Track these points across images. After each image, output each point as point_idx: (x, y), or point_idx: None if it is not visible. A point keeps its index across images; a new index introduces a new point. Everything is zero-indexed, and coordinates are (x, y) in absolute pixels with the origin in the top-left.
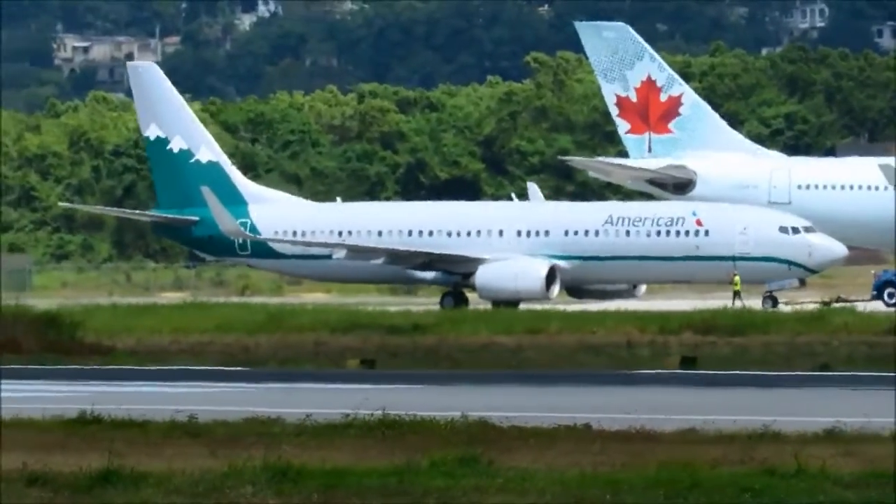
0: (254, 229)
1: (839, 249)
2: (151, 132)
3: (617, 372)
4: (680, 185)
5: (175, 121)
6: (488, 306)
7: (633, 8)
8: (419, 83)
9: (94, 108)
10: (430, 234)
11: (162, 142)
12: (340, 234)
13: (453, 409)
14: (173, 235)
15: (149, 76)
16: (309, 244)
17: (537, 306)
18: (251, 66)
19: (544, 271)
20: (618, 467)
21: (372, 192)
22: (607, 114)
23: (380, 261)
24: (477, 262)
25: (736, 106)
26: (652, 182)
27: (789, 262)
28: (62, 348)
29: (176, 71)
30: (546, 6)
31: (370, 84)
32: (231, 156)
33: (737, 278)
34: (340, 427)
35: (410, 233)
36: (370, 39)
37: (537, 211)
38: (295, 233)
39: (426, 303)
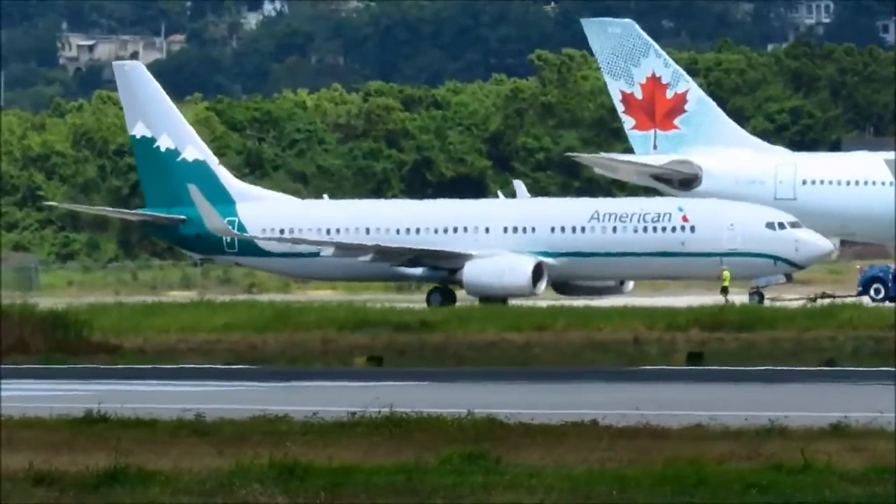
0: (241, 227)
1: (826, 245)
2: (138, 131)
3: (624, 368)
4: (685, 181)
5: (162, 120)
6: (475, 302)
7: (639, 5)
8: (425, 81)
9: (98, 108)
10: (418, 230)
11: (148, 141)
12: (328, 231)
13: (461, 406)
14: (161, 234)
15: (135, 75)
16: (296, 241)
17: (543, 303)
18: (257, 65)
19: (531, 267)
20: (625, 464)
21: (378, 190)
22: (613, 110)
23: (367, 258)
24: (464, 258)
25: (741, 102)
26: (658, 178)
27: (776, 258)
28: (69, 347)
29: (181, 69)
30: (552, 4)
31: (376, 82)
32: (238, 154)
33: (725, 273)
34: (348, 425)
35: (398, 230)
36: (376, 37)
37: (523, 207)
38: (282, 230)
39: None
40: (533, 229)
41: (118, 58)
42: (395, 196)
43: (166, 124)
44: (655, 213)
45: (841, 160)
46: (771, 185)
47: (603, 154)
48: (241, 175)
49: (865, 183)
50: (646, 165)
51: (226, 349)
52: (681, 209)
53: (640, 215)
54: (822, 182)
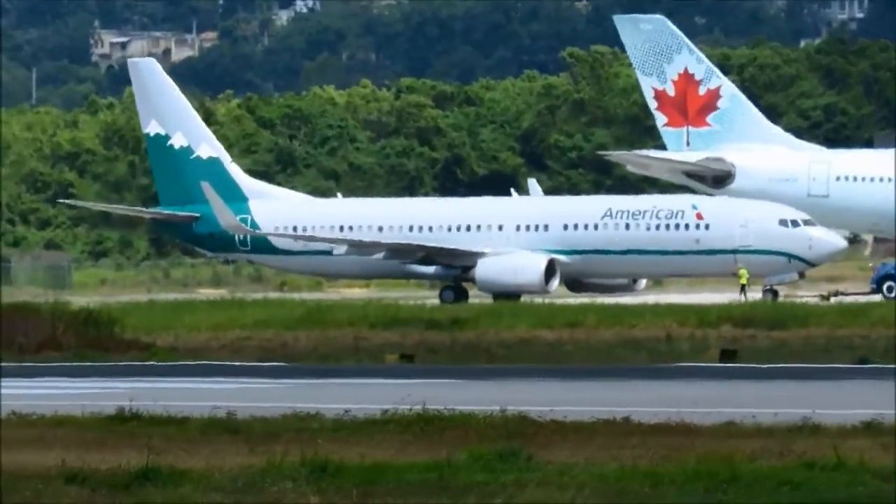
0: (254, 225)
1: (839, 242)
2: (152, 129)
3: (656, 366)
4: (718, 178)
5: (175, 117)
6: (488, 300)
7: (671, 2)
8: (457, 78)
9: (130, 105)
10: (430, 228)
11: (162, 138)
12: (341, 229)
13: (492, 403)
14: (174, 232)
15: (149, 72)
16: (309, 239)
17: (574, 300)
18: (288, 62)
19: (543, 265)
20: (657, 461)
21: (410, 187)
22: (646, 107)
23: (380, 255)
24: (476, 255)
25: (774, 98)
26: (690, 175)
27: (789, 256)
28: (101, 345)
29: (213, 67)
30: (584, 0)
31: (408, 79)
32: (269, 151)
33: (743, 271)
34: (379, 422)
35: (411, 228)
36: (408, 34)
37: (536, 205)
38: (295, 228)
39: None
40: (546, 227)
41: (150, 55)
42: (426, 194)
43: (180, 122)
44: (669, 211)
45: (874, 157)
46: (804, 182)
47: (635, 151)
48: (272, 173)
49: None
50: (678, 163)
51: (257, 347)
52: (694, 207)
53: (653, 213)
54: (854, 179)
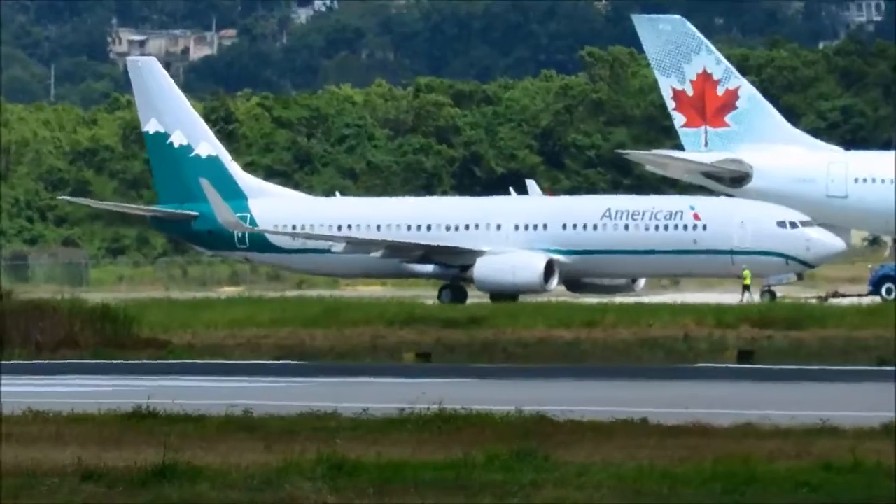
0: (253, 223)
1: (837, 244)
2: (151, 127)
3: (674, 366)
4: (736, 179)
5: (175, 115)
6: (487, 299)
7: (690, 1)
8: (475, 77)
9: None
10: (429, 227)
11: (161, 136)
12: (340, 227)
13: (510, 402)
14: (172, 230)
15: (148, 71)
16: (306, 236)
17: (592, 299)
18: (307, 60)
19: (542, 265)
20: (674, 461)
21: (428, 186)
22: (664, 107)
23: (378, 254)
24: (475, 254)
25: (793, 99)
26: (708, 175)
27: (787, 257)
28: (118, 343)
29: (232, 64)
30: (602, 0)
31: (426, 78)
32: (286, 150)
33: (746, 272)
34: (396, 421)
35: (409, 226)
36: (426, 33)
37: (535, 204)
38: (294, 226)
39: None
40: (545, 226)
41: (169, 53)
42: (444, 192)
43: (179, 120)
44: (667, 212)
45: (892, 158)
46: (822, 183)
47: (654, 151)
48: (290, 171)
49: None
50: (696, 163)
51: (274, 345)
52: (692, 207)
53: (651, 213)
54: (873, 180)
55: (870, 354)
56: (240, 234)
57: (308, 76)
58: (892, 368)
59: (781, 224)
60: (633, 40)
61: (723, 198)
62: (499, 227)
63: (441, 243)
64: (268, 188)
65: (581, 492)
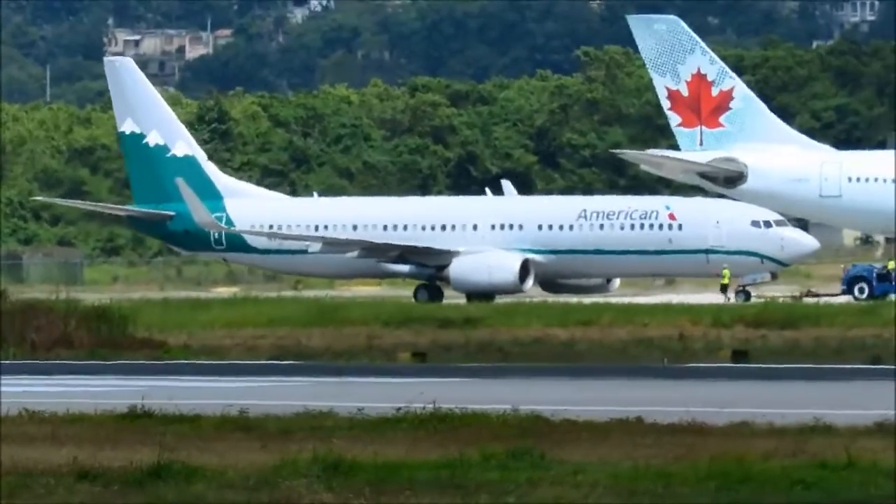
0: (230, 223)
1: (811, 243)
2: (127, 127)
3: (669, 365)
4: (731, 179)
5: (151, 116)
6: (463, 300)
7: (685, 2)
8: (472, 77)
9: None
10: (405, 227)
11: (138, 137)
12: (316, 228)
13: (505, 402)
14: (149, 230)
15: (125, 71)
16: (282, 237)
17: (592, 299)
18: (304, 60)
19: (518, 265)
20: (670, 460)
21: (423, 186)
22: (659, 107)
23: (354, 254)
24: (451, 254)
25: (787, 99)
26: (703, 175)
27: (762, 256)
28: (113, 343)
29: (228, 64)
30: (598, 0)
31: (422, 78)
32: (283, 150)
33: (725, 272)
34: (392, 421)
35: (385, 227)
36: (423, 33)
37: (511, 205)
38: (271, 227)
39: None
40: (521, 227)
41: (164, 52)
42: (440, 192)
43: (156, 120)
44: (643, 211)
45: (886, 158)
46: (816, 182)
47: (648, 151)
48: (286, 171)
49: None
50: (691, 163)
51: (271, 345)
52: (668, 207)
53: (627, 213)
54: (867, 180)
55: (864, 353)
56: (216, 235)
57: (304, 76)
58: (887, 367)
59: (756, 224)
60: (629, 40)
61: (698, 198)
62: (475, 227)
63: (417, 243)
64: (244, 188)
65: (577, 490)
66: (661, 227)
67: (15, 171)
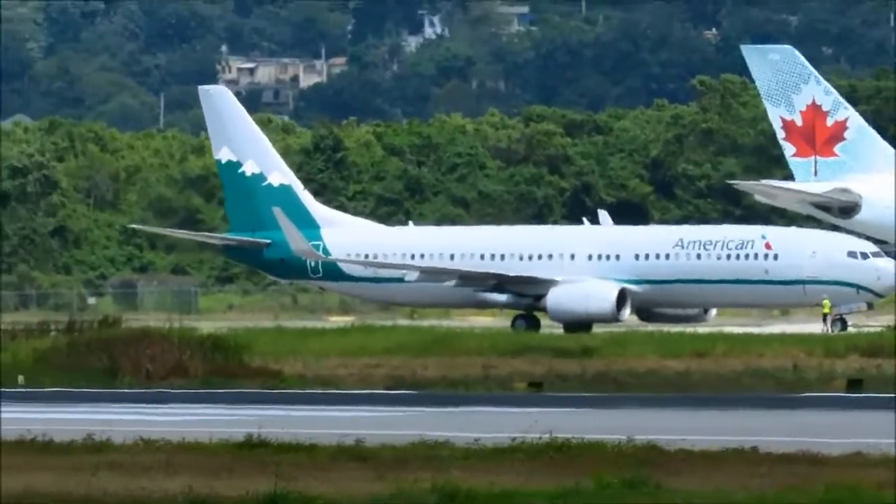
0: (326, 252)
1: None
2: (223, 155)
3: (783, 395)
4: (845, 209)
5: (247, 144)
6: (560, 329)
7: (799, 31)
8: (587, 106)
9: None
10: (503, 257)
11: (234, 165)
12: (412, 257)
13: (621, 431)
14: (245, 258)
15: (220, 100)
16: (380, 266)
17: (700, 329)
18: (417, 88)
19: (615, 294)
20: (785, 490)
21: (539, 215)
22: (774, 137)
23: (451, 283)
24: (548, 284)
25: None
26: (817, 206)
27: (858, 287)
28: (228, 372)
29: (342, 92)
30: (713, 29)
31: (538, 107)
32: (397, 178)
33: (826, 302)
34: (508, 450)
35: (482, 256)
36: (537, 62)
37: (608, 234)
38: (367, 255)
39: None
40: (617, 256)
41: (278, 81)
42: (555, 222)
43: (252, 149)
44: (739, 241)
45: None
46: None
47: (763, 181)
48: (401, 199)
49: None
50: (806, 193)
51: (385, 374)
52: (764, 237)
53: (723, 243)
54: None
55: None
56: (312, 263)
57: (418, 104)
58: None
59: (852, 254)
60: (744, 70)
61: (794, 228)
62: (572, 256)
63: (514, 273)
64: (340, 217)
65: None
66: (756, 256)
67: (129, 199)
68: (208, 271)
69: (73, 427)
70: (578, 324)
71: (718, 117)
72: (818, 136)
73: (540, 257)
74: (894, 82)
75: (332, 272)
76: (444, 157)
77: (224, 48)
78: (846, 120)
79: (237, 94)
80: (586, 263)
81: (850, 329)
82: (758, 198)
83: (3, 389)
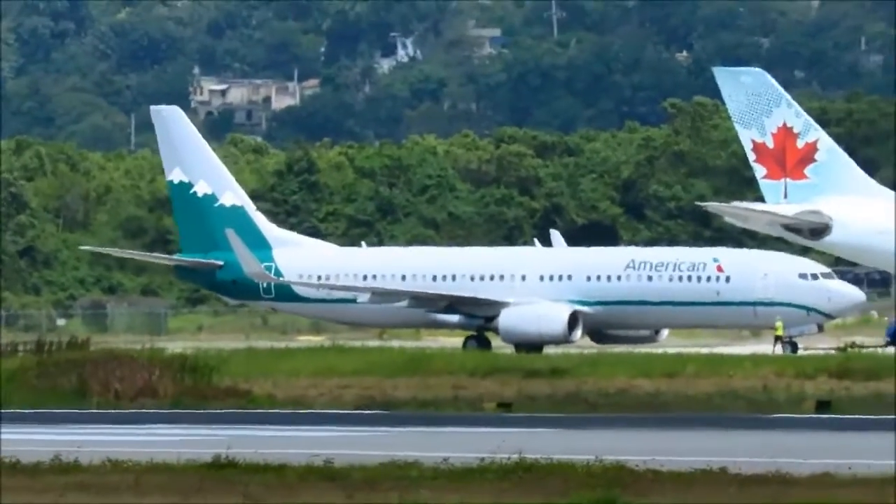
0: (278, 273)
1: (857, 295)
2: (175, 176)
3: (753, 416)
4: (816, 231)
5: (199, 165)
6: (511, 350)
7: (771, 53)
8: (558, 128)
9: (229, 151)
10: (454, 278)
11: (186, 186)
12: (365, 278)
13: (590, 452)
14: (196, 279)
15: (172, 120)
16: (332, 287)
17: (672, 349)
18: (390, 110)
19: (566, 315)
20: None
21: (509, 236)
22: (745, 159)
23: (403, 304)
24: (500, 305)
25: (872, 152)
26: (788, 228)
27: (808, 308)
28: (198, 392)
29: (315, 114)
30: (685, 52)
31: (509, 128)
32: (368, 199)
33: (779, 324)
34: (478, 470)
35: (434, 277)
36: (509, 84)
37: (559, 255)
38: (319, 277)
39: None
40: (569, 277)
41: (251, 102)
42: (525, 243)
43: (204, 170)
44: (690, 263)
45: None
46: None
47: (733, 203)
48: (372, 221)
49: None
50: (776, 215)
51: (356, 395)
52: (715, 259)
53: (675, 265)
54: None
55: None
56: (265, 284)
57: (391, 126)
58: None
59: (803, 276)
60: (715, 92)
61: (745, 249)
62: (523, 277)
63: (466, 294)
64: (292, 238)
65: None
66: (708, 278)
67: (100, 219)
68: (178, 292)
69: (41, 448)
70: (530, 345)
71: (690, 139)
72: (789, 158)
73: (492, 278)
74: (865, 105)
75: (285, 293)
76: (414, 178)
77: (196, 69)
78: (817, 142)
79: (209, 115)
80: (538, 284)
81: (801, 352)
82: (728, 219)
83: None
